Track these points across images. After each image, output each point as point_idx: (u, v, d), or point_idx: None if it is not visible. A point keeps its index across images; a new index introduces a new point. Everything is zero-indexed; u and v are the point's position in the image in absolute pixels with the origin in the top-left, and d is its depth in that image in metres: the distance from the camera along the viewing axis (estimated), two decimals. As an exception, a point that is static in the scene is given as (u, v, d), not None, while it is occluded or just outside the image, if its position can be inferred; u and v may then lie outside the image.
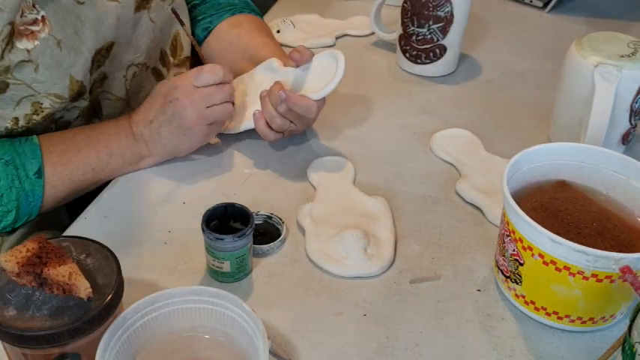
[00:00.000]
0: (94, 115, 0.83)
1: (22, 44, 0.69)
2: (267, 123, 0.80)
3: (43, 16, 0.70)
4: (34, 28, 0.69)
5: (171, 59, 0.91)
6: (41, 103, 0.73)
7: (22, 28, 0.68)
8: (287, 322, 0.64)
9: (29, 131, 0.75)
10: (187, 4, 0.96)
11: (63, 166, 0.75)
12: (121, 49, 0.81)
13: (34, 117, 0.73)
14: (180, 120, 0.76)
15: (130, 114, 0.80)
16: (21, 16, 0.68)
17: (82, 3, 0.74)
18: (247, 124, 0.84)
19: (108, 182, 0.81)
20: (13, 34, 0.68)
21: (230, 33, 0.94)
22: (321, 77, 0.81)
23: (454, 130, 0.91)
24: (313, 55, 0.82)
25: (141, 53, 0.85)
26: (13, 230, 0.77)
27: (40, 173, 0.73)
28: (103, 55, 0.79)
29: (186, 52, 0.93)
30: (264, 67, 0.86)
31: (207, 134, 0.80)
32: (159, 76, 0.91)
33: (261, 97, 0.81)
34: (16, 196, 0.72)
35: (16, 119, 0.73)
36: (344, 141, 0.89)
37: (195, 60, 1.00)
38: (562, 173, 0.71)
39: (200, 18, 0.96)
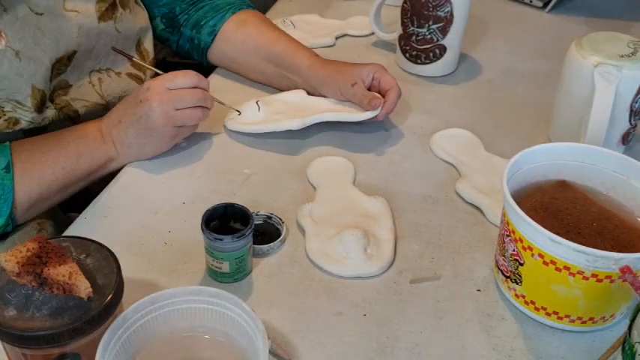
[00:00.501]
0: (71, 121, 0.83)
1: None
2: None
3: None
4: None
5: (143, 63, 0.92)
6: (2, 107, 0.75)
7: None
8: (287, 322, 0.64)
9: None
10: (181, 12, 0.97)
11: (32, 164, 0.75)
12: (82, 58, 0.82)
13: None
14: (147, 121, 0.76)
15: (102, 117, 0.81)
16: None
17: (41, 14, 0.75)
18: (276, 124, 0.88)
19: (108, 182, 0.81)
20: None
21: (238, 32, 0.95)
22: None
23: (454, 130, 0.91)
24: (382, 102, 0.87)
25: (100, 60, 0.86)
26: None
27: (8, 168, 0.73)
28: (64, 63, 0.80)
29: (151, 54, 0.94)
30: (293, 93, 0.91)
31: (174, 136, 0.80)
32: (139, 80, 0.92)
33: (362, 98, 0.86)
34: None
35: None
36: (344, 141, 0.89)
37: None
38: (562, 173, 0.71)
39: (202, 23, 0.96)
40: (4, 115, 0.75)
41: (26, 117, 0.77)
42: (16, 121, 0.76)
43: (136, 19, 0.89)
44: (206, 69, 1.02)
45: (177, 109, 0.77)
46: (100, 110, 0.86)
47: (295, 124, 0.86)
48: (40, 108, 0.78)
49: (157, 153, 0.82)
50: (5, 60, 0.72)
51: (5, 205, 0.73)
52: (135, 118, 0.77)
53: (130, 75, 0.91)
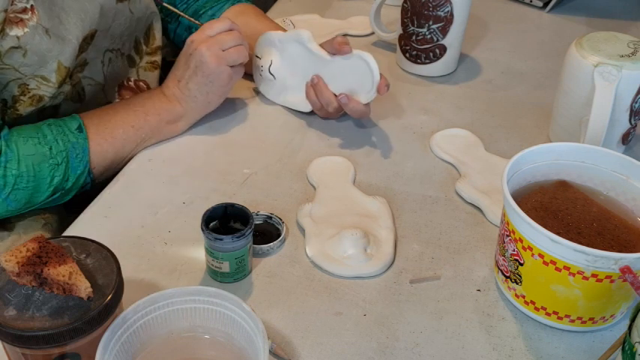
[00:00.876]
0: (78, 99, 0.85)
1: (13, 32, 0.72)
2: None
3: (32, 5, 0.73)
4: (23, 16, 0.72)
5: (144, 47, 0.93)
6: (27, 85, 0.77)
7: (12, 15, 0.71)
8: (287, 322, 0.64)
9: (17, 112, 0.78)
10: (181, 1, 0.98)
11: (103, 125, 0.80)
12: (101, 37, 0.84)
13: (22, 97, 0.77)
14: (202, 67, 0.82)
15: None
16: (12, 4, 0.71)
17: None
18: (288, 100, 0.93)
19: (108, 182, 0.81)
20: (5, 22, 0.70)
21: (236, 20, 0.96)
22: (351, 75, 0.86)
23: (454, 130, 0.91)
24: (351, 50, 0.86)
25: (115, 40, 0.87)
26: (63, 203, 0.80)
27: (80, 129, 0.78)
28: (87, 42, 0.81)
29: (158, 41, 0.95)
30: (294, 39, 0.90)
31: (231, 77, 0.84)
32: (132, 63, 0.93)
33: (307, 88, 0.89)
34: (63, 146, 0.76)
35: (4, 101, 0.76)
36: (344, 141, 0.89)
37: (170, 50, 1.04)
38: (562, 173, 0.71)
39: (201, 12, 0.98)
40: (29, 92, 0.77)
41: (48, 93, 0.78)
42: (40, 99, 0.78)
43: (148, 2, 0.90)
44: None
45: (224, 50, 0.82)
46: (97, 91, 0.88)
47: (306, 106, 0.91)
48: (62, 84, 0.79)
49: (221, 99, 0.86)
50: (37, 36, 0.74)
51: (82, 164, 0.78)
52: (191, 71, 0.83)
53: (128, 57, 0.92)
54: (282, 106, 0.95)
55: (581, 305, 0.61)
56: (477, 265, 0.71)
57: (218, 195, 0.79)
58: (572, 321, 0.63)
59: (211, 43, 0.82)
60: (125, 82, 0.92)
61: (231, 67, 0.84)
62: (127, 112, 0.82)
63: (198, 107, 0.86)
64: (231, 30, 0.84)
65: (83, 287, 0.52)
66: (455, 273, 0.70)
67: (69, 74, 0.80)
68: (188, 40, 0.84)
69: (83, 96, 0.86)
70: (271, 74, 0.92)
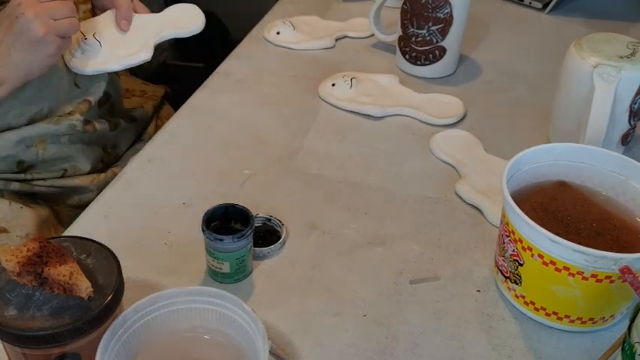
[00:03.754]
0: None
1: None
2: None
3: None
4: None
5: None
6: None
7: None
8: (287, 323, 0.64)
9: None
10: None
11: None
12: None
13: None
14: (29, 33, 0.75)
15: None
16: None
17: None
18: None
19: (108, 182, 0.81)
20: None
21: None
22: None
23: (454, 130, 0.91)
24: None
25: None
26: None
27: None
28: None
29: None
30: (387, 77, 1.00)
31: (59, 47, 0.78)
32: None
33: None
34: None
35: None
36: (344, 142, 0.89)
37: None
38: (562, 174, 0.71)
39: None
40: None
41: None
42: None
43: None
44: (213, 63, 1.02)
45: (55, 20, 0.75)
46: None
47: (376, 111, 0.94)
48: None
49: (44, 69, 0.79)
50: None
51: None
52: (15, 37, 0.75)
53: None
54: (278, 106, 0.95)
55: (580, 305, 0.61)
56: (476, 266, 0.71)
57: (218, 195, 0.79)
58: (572, 321, 0.63)
59: (41, 11, 0.74)
60: None
61: (62, 37, 0.77)
62: None
63: (19, 75, 0.78)
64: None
65: (84, 287, 0.52)
66: (454, 273, 0.70)
67: None
68: (14, 2, 0.75)
69: None
70: (351, 82, 0.96)
